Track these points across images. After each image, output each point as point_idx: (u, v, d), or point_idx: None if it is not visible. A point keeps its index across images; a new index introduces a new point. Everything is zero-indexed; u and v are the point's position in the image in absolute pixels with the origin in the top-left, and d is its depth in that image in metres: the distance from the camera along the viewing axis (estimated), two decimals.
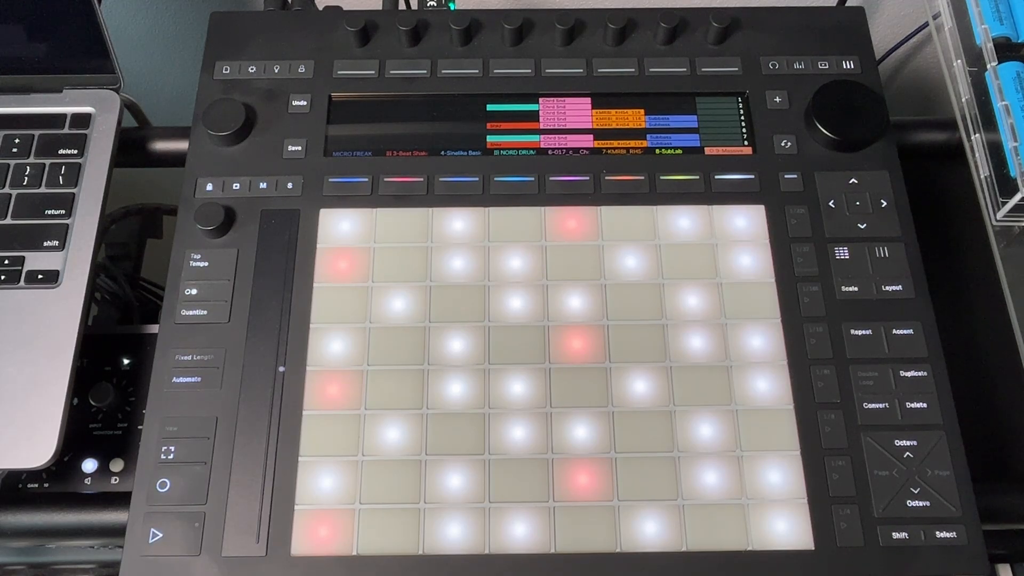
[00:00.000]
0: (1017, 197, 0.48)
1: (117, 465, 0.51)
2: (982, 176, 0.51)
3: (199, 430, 0.46)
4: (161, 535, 0.44)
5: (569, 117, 0.54)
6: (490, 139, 0.54)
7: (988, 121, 0.51)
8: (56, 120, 0.56)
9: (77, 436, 0.51)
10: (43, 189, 0.54)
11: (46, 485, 0.51)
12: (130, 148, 0.59)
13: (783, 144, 0.53)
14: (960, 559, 0.43)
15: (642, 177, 0.52)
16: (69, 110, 0.57)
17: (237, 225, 0.51)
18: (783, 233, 0.50)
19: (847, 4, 0.68)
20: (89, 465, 0.51)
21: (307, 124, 0.54)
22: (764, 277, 0.49)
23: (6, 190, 0.54)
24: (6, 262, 0.52)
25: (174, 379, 0.47)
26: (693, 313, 0.48)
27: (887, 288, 0.49)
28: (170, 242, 0.51)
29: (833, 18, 0.57)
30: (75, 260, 0.52)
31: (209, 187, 0.52)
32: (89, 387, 0.52)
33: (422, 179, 0.52)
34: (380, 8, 0.63)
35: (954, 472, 0.44)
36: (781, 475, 0.45)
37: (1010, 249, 0.50)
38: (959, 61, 0.53)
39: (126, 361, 0.54)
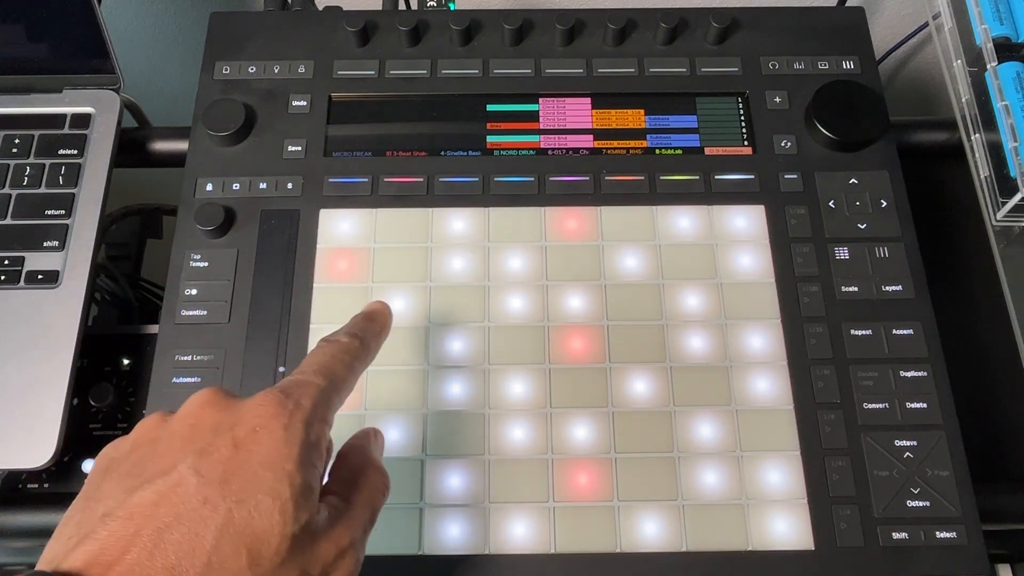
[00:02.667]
0: (1017, 197, 0.48)
1: None
2: (982, 176, 0.51)
3: None
4: None
5: (569, 117, 0.54)
6: (490, 139, 0.54)
7: (988, 121, 0.51)
8: (56, 120, 0.56)
9: (77, 436, 0.51)
10: (43, 189, 0.54)
11: (46, 485, 0.51)
12: (130, 148, 0.59)
13: (783, 144, 0.53)
14: (960, 559, 0.43)
15: (642, 177, 0.52)
16: (69, 110, 0.57)
17: (237, 225, 0.51)
18: (783, 233, 0.50)
19: (847, 4, 0.68)
20: (89, 465, 0.51)
21: (307, 124, 0.54)
22: (764, 277, 0.49)
23: (6, 190, 0.54)
24: (6, 262, 0.52)
25: (174, 379, 0.47)
26: (693, 313, 0.48)
27: (887, 288, 0.49)
28: (170, 242, 0.51)
29: (833, 18, 0.57)
30: (75, 260, 0.52)
31: (209, 187, 0.52)
32: (89, 387, 0.52)
33: (422, 179, 0.52)
34: (380, 8, 0.63)
35: (954, 472, 0.44)
36: (781, 475, 0.45)
37: (1010, 249, 0.50)
38: (959, 61, 0.53)
39: (126, 361, 0.54)
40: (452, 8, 0.60)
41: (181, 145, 0.57)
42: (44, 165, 0.55)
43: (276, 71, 0.55)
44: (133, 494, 0.29)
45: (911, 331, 0.48)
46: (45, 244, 0.53)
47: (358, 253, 0.50)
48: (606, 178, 0.52)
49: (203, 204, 0.51)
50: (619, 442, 0.45)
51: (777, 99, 0.54)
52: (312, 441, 0.31)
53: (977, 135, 0.51)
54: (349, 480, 0.34)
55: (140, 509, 0.28)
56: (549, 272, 0.49)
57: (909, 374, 0.47)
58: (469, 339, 0.48)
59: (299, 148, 0.53)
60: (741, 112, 0.54)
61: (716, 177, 0.52)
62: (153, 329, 0.55)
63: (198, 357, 0.47)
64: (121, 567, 0.27)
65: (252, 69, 0.55)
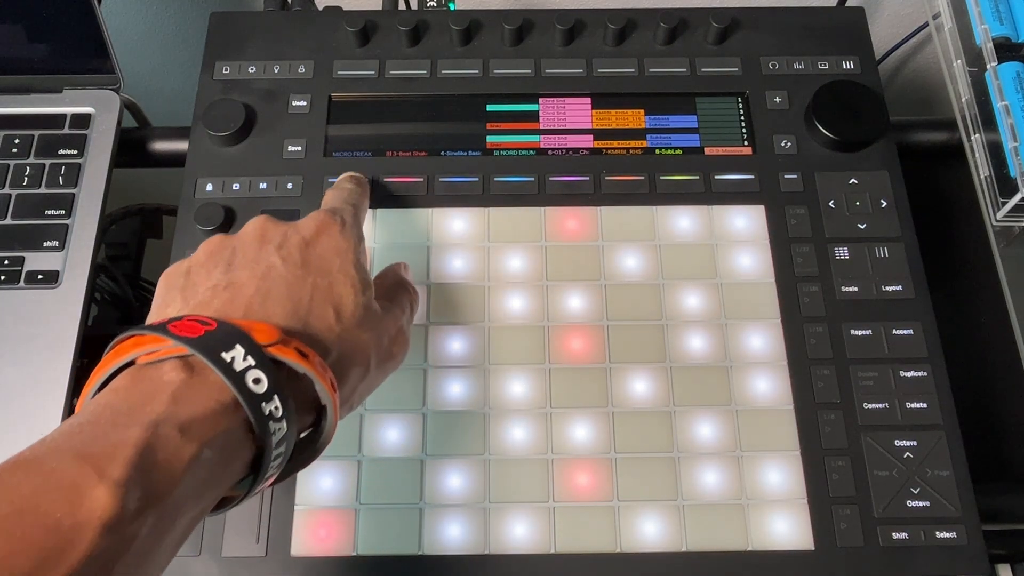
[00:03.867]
0: (1017, 197, 0.48)
1: None
2: (982, 176, 0.51)
3: None
4: None
5: (569, 117, 0.54)
6: (490, 139, 0.54)
7: (988, 121, 0.51)
8: (56, 120, 0.56)
9: None
10: (43, 189, 0.54)
11: None
12: (130, 148, 0.59)
13: (783, 144, 0.53)
14: (960, 559, 0.43)
15: (642, 177, 0.52)
16: (69, 110, 0.57)
17: (237, 225, 0.51)
18: (783, 233, 0.50)
19: (847, 4, 0.68)
20: None
21: (307, 124, 0.54)
22: (764, 277, 0.49)
23: (6, 190, 0.54)
24: (6, 262, 0.52)
25: None
26: (693, 313, 0.48)
27: (887, 288, 0.49)
28: (170, 242, 0.51)
29: (833, 18, 0.57)
30: (75, 260, 0.52)
31: (209, 187, 0.52)
32: None
33: (422, 179, 0.52)
34: (380, 8, 0.63)
35: (954, 472, 0.44)
36: (781, 475, 0.45)
37: (1010, 249, 0.50)
38: (959, 61, 0.53)
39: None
40: (452, 8, 0.60)
41: (181, 145, 0.57)
42: (44, 165, 0.55)
43: (276, 71, 0.55)
44: (230, 274, 0.35)
45: (911, 331, 0.48)
46: (45, 244, 0.53)
47: None
48: (606, 178, 0.52)
49: (203, 204, 0.51)
50: (619, 442, 0.45)
51: (777, 99, 0.54)
52: (360, 244, 0.40)
53: (977, 135, 0.51)
54: (388, 290, 0.43)
55: (241, 282, 0.35)
56: (549, 272, 0.49)
57: (909, 374, 0.47)
58: (469, 339, 0.48)
59: (299, 148, 0.53)
60: (741, 112, 0.54)
61: (716, 177, 0.52)
62: None
63: None
64: (238, 314, 0.33)
65: (252, 69, 0.55)
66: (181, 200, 0.52)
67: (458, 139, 0.54)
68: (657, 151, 0.53)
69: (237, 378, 0.30)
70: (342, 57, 0.56)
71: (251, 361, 0.30)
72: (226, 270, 0.35)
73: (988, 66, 0.51)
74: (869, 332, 0.48)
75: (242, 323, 0.32)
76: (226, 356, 0.30)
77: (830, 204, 0.51)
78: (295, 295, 0.35)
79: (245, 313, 0.33)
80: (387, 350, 0.39)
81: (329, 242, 0.38)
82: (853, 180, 0.52)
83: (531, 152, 0.53)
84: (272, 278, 0.35)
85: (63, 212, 0.53)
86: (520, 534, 0.43)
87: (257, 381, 0.30)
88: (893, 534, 0.43)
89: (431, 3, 0.60)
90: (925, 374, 0.47)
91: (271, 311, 0.34)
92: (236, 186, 0.52)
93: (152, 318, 0.35)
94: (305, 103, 0.54)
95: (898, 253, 0.50)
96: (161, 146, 0.60)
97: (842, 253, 0.50)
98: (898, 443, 0.45)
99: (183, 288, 0.35)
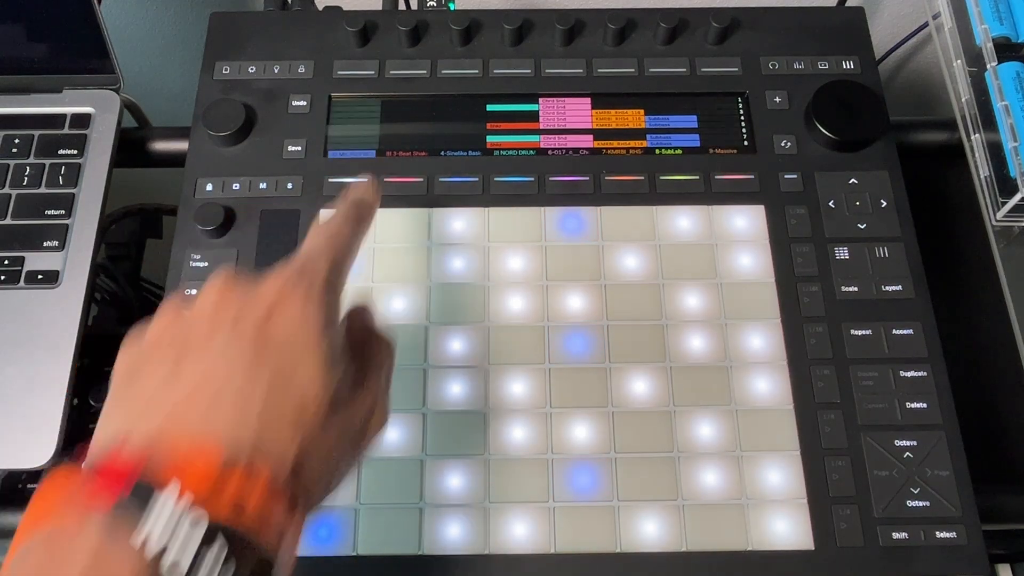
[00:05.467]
0: (1017, 197, 0.48)
1: None
2: (982, 176, 0.51)
3: None
4: None
5: (569, 117, 0.54)
6: (490, 139, 0.54)
7: (988, 121, 0.51)
8: (56, 120, 0.56)
9: (77, 436, 0.51)
10: (43, 189, 0.54)
11: None
12: (130, 148, 0.59)
13: (783, 144, 0.53)
14: (960, 559, 0.43)
15: (642, 177, 0.52)
16: (69, 110, 0.57)
17: (237, 225, 0.51)
18: (783, 233, 0.50)
19: (847, 4, 0.68)
20: None
21: (307, 124, 0.54)
22: (764, 277, 0.49)
23: (6, 190, 0.54)
24: (6, 262, 0.52)
25: None
26: (693, 313, 0.48)
27: (887, 288, 0.49)
28: (170, 242, 0.51)
29: (833, 18, 0.58)
30: (75, 260, 0.52)
31: (209, 187, 0.52)
32: (89, 387, 0.52)
33: (422, 179, 0.52)
34: (380, 8, 0.63)
35: (954, 472, 0.44)
36: (781, 475, 0.45)
37: (1010, 249, 0.50)
38: (959, 61, 0.53)
39: None
40: (452, 8, 0.60)
41: (181, 145, 0.57)
42: (44, 165, 0.55)
43: (276, 71, 0.55)
44: (177, 367, 0.31)
45: (911, 331, 0.48)
46: (45, 244, 0.53)
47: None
48: (606, 178, 0.52)
49: (203, 204, 0.51)
50: (619, 442, 0.45)
51: (777, 99, 0.54)
52: (329, 308, 0.34)
53: (977, 135, 0.51)
54: (358, 346, 0.36)
55: (186, 383, 0.31)
56: (549, 272, 0.49)
57: (909, 374, 0.47)
58: (469, 339, 0.48)
59: (299, 148, 0.53)
60: (741, 112, 0.54)
61: (716, 177, 0.52)
62: None
63: None
64: (177, 431, 0.30)
65: (252, 69, 0.55)
66: (181, 200, 0.52)
67: (458, 139, 0.54)
68: (657, 151, 0.53)
69: (152, 562, 0.27)
70: (342, 57, 0.56)
71: (171, 528, 0.27)
72: (174, 363, 0.32)
73: (988, 66, 0.51)
74: (869, 332, 0.48)
75: (173, 467, 0.28)
76: (139, 535, 0.27)
77: (830, 204, 0.51)
78: (247, 394, 0.31)
79: (186, 427, 0.30)
80: (359, 432, 0.35)
81: (291, 312, 0.33)
82: (853, 180, 0.52)
83: (531, 152, 0.53)
84: (219, 377, 0.31)
85: (63, 212, 0.53)
86: (520, 534, 0.43)
87: (176, 564, 0.27)
88: (893, 534, 0.43)
89: (431, 3, 0.60)
90: (925, 374, 0.47)
91: (216, 420, 0.30)
92: (236, 186, 0.52)
93: (99, 425, 0.32)
94: (305, 103, 0.54)
95: (898, 253, 0.50)
96: (161, 146, 0.60)
97: (842, 253, 0.50)
98: (898, 443, 0.45)
99: (128, 387, 0.32)
